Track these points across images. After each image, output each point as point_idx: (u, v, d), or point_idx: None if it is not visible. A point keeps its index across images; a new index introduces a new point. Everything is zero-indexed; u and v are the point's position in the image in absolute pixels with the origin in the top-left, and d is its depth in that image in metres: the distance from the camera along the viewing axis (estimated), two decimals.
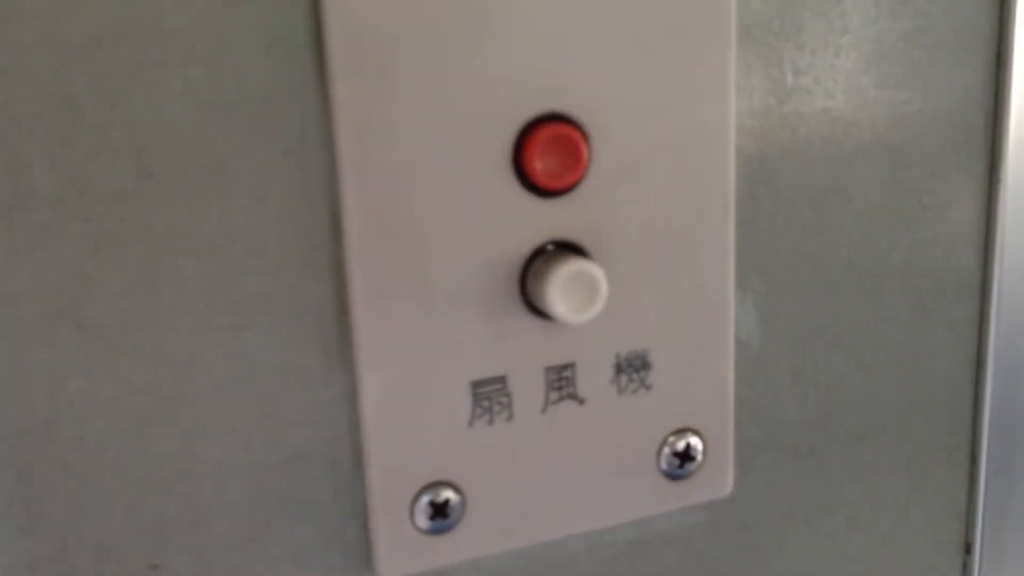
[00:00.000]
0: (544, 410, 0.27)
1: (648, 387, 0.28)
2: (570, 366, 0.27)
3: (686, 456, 0.29)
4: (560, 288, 0.25)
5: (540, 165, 0.25)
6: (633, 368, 0.28)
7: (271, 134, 0.24)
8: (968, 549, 0.36)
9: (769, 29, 0.28)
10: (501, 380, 0.27)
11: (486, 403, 0.27)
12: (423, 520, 0.27)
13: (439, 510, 0.27)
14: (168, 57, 0.23)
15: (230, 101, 0.24)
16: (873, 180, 0.31)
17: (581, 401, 0.28)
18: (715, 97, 0.27)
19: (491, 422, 0.27)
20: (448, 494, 0.27)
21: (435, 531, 0.27)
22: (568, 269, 0.25)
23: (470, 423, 0.27)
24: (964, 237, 0.33)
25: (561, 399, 0.28)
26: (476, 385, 0.27)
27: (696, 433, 0.29)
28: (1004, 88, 0.31)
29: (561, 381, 0.27)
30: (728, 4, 0.27)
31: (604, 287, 0.25)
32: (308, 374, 0.26)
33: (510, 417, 0.27)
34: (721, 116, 0.27)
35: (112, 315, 0.24)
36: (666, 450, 0.29)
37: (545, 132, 0.25)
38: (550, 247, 0.26)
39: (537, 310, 0.26)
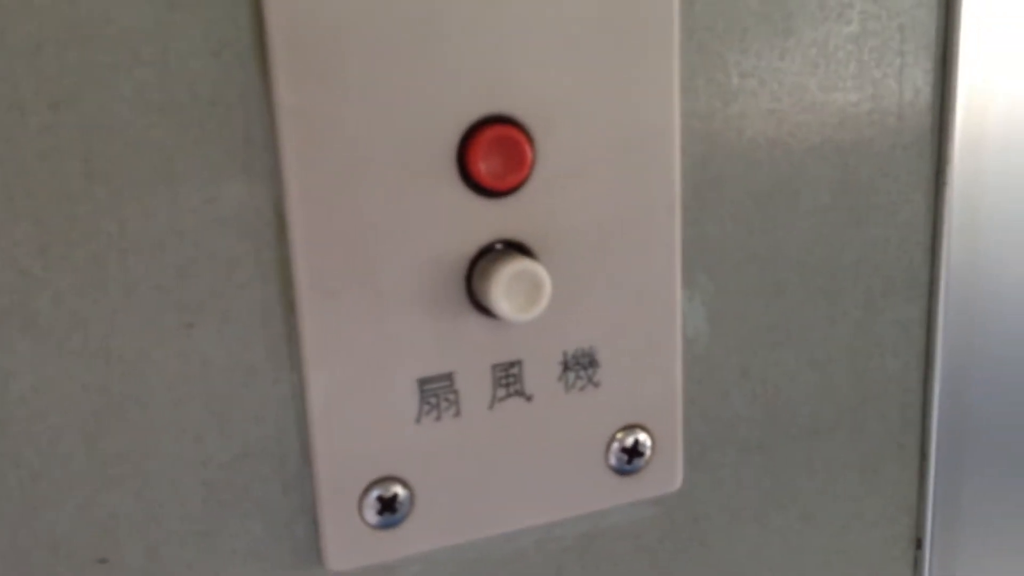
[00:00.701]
0: (491, 407, 0.28)
1: (596, 384, 0.29)
2: (517, 363, 0.28)
3: (634, 452, 0.30)
4: (503, 287, 0.25)
5: (484, 166, 0.26)
6: (580, 366, 0.29)
7: (218, 136, 0.25)
8: (919, 544, 0.36)
9: (713, 31, 0.29)
10: (448, 377, 0.27)
11: (433, 400, 0.27)
12: (371, 515, 0.27)
13: (387, 505, 0.27)
14: (116, 60, 0.23)
15: (178, 103, 0.24)
16: (822, 180, 0.32)
17: (528, 398, 0.28)
18: (659, 98, 0.27)
19: (439, 419, 0.27)
20: (396, 489, 0.27)
21: (384, 526, 0.27)
22: (511, 268, 0.25)
23: (418, 420, 0.27)
24: (913, 237, 0.33)
25: (508, 396, 0.28)
26: (423, 382, 0.27)
27: (644, 429, 0.30)
28: (949, 91, 0.32)
29: (508, 378, 0.28)
30: (671, 6, 0.27)
31: (547, 286, 0.26)
32: (257, 372, 0.26)
33: (457, 413, 0.27)
34: (666, 117, 0.28)
35: (61, 315, 0.24)
36: (615, 446, 0.30)
37: (489, 134, 0.25)
38: (499, 246, 0.27)
39: (483, 309, 0.27)
